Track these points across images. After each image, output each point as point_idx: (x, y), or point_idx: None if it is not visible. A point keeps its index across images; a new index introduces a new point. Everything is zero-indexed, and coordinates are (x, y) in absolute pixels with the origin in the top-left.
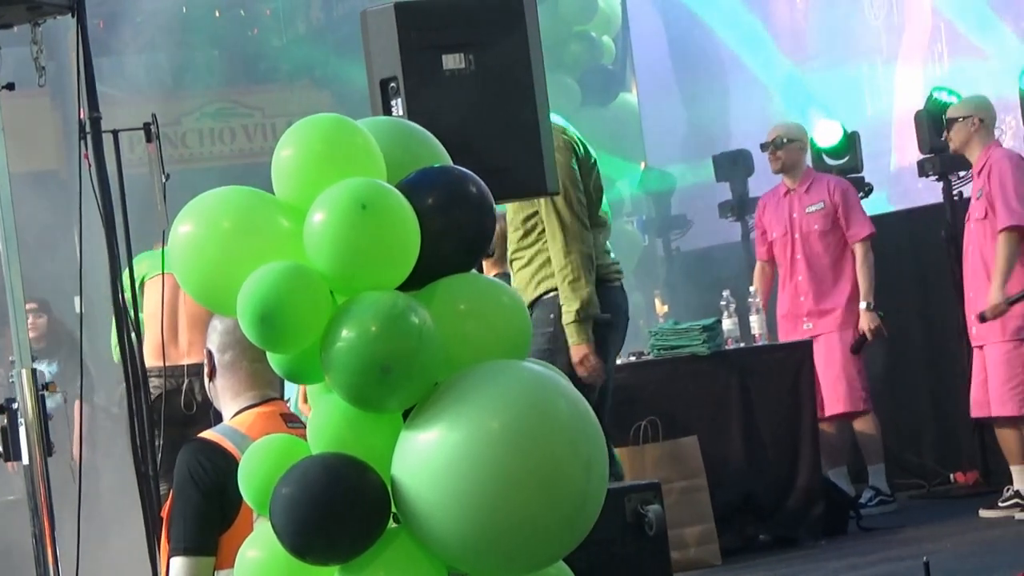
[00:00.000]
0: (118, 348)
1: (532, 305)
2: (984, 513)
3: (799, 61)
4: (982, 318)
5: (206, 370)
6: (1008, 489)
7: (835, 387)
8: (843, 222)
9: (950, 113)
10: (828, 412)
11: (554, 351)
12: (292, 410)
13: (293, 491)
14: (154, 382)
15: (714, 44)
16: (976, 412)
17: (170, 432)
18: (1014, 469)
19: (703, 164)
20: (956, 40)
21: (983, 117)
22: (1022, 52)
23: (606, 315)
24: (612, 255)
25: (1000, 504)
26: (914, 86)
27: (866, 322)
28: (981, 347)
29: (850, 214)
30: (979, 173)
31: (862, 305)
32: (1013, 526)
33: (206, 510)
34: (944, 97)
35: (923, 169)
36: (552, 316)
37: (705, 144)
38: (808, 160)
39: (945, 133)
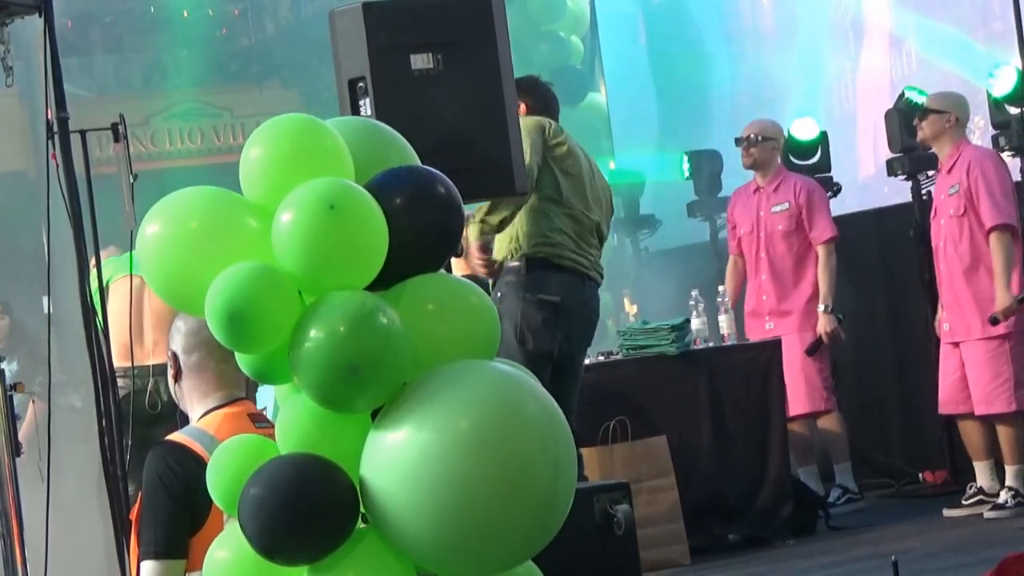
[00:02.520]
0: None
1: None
2: (948, 512)
3: (769, 59)
4: (993, 320)
5: (171, 372)
6: (971, 487)
7: (796, 387)
8: (807, 224)
9: (928, 103)
10: (792, 412)
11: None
12: (270, 417)
13: (261, 491)
14: (120, 383)
15: (686, 43)
16: (945, 409)
17: (135, 432)
18: (977, 465)
19: (672, 164)
20: (922, 42)
21: (959, 116)
22: (989, 54)
23: (554, 297)
24: (573, 243)
25: (964, 502)
26: (881, 86)
27: (823, 324)
28: (956, 344)
29: (814, 216)
30: (950, 170)
31: (820, 307)
32: (981, 524)
33: (176, 513)
34: (915, 97)
35: (892, 168)
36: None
37: (674, 144)
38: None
39: (917, 120)
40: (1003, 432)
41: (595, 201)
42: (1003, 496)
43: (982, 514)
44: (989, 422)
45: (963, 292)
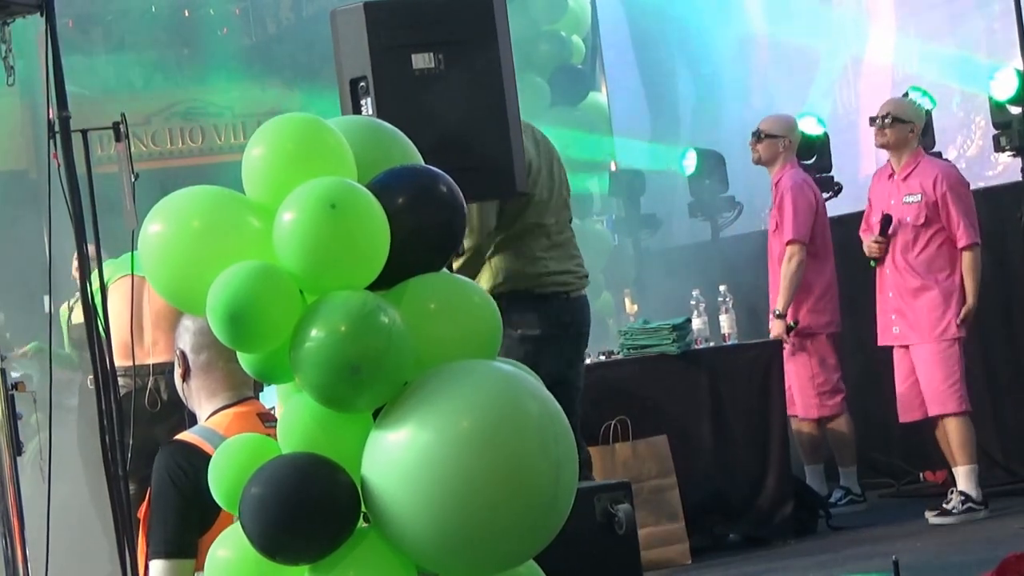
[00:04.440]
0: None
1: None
2: (931, 516)
3: (770, 60)
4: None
5: (179, 371)
6: (952, 491)
7: (797, 393)
8: (780, 223)
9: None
10: (803, 415)
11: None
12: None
13: (263, 491)
14: (121, 381)
15: (685, 43)
16: (905, 416)
17: (136, 431)
18: (957, 471)
19: (674, 164)
20: (924, 40)
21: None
22: (991, 51)
23: (534, 331)
24: (555, 263)
25: (944, 506)
26: (882, 86)
27: (772, 330)
28: (907, 347)
29: (783, 217)
30: (906, 177)
31: (772, 312)
32: (976, 523)
33: (186, 512)
34: (918, 98)
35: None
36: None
37: (676, 143)
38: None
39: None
40: (954, 433)
41: (561, 200)
42: (953, 501)
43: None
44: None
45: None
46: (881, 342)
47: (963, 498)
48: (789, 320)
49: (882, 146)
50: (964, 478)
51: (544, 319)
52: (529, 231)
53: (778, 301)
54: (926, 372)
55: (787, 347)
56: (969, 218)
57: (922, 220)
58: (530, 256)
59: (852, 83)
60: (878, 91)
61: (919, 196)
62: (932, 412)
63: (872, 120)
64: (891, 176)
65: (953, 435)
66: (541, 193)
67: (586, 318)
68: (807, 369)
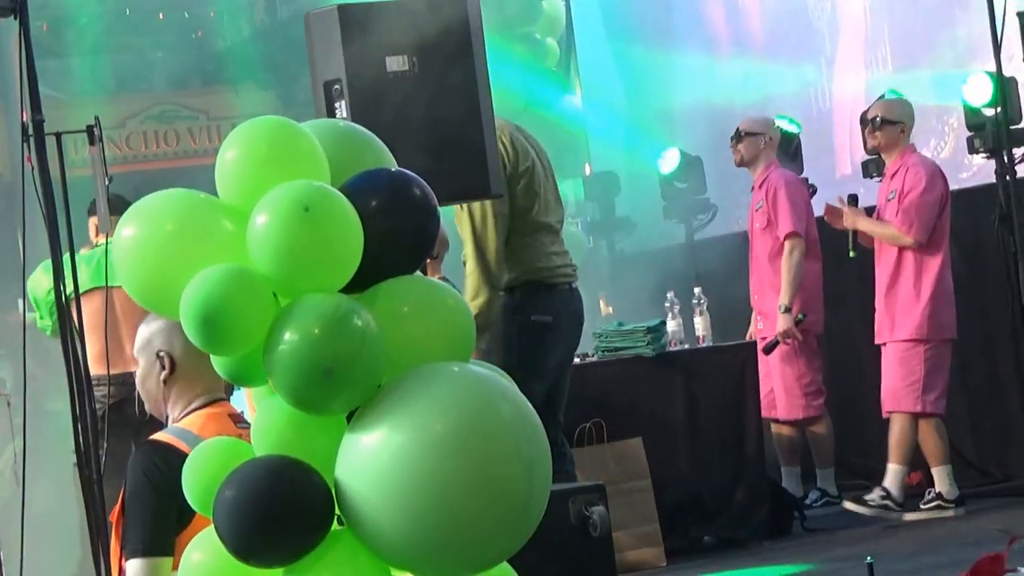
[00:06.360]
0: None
1: None
2: (907, 516)
3: (746, 60)
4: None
5: (158, 372)
6: (929, 492)
7: (781, 394)
8: (773, 219)
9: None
10: (782, 416)
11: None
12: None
13: (236, 494)
14: (101, 390)
15: (660, 44)
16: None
17: (125, 438)
18: (934, 471)
19: (649, 166)
20: (899, 43)
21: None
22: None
23: (546, 317)
24: (559, 257)
25: (922, 507)
26: (857, 88)
27: (779, 325)
28: (884, 345)
29: (777, 211)
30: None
31: (779, 307)
32: (955, 525)
33: (163, 511)
34: (896, 100)
35: (867, 170)
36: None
37: (650, 145)
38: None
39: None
40: (895, 430)
41: (555, 197)
42: (875, 494)
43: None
44: (944, 428)
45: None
46: (877, 340)
47: (883, 493)
48: (796, 314)
49: (874, 148)
50: (893, 478)
51: (554, 307)
52: (540, 228)
53: (783, 295)
54: (885, 370)
55: (789, 342)
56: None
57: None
58: (542, 251)
59: (826, 85)
60: (852, 93)
61: (895, 192)
62: (886, 409)
63: (863, 122)
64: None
65: (893, 432)
66: (545, 192)
67: (582, 308)
68: (795, 369)
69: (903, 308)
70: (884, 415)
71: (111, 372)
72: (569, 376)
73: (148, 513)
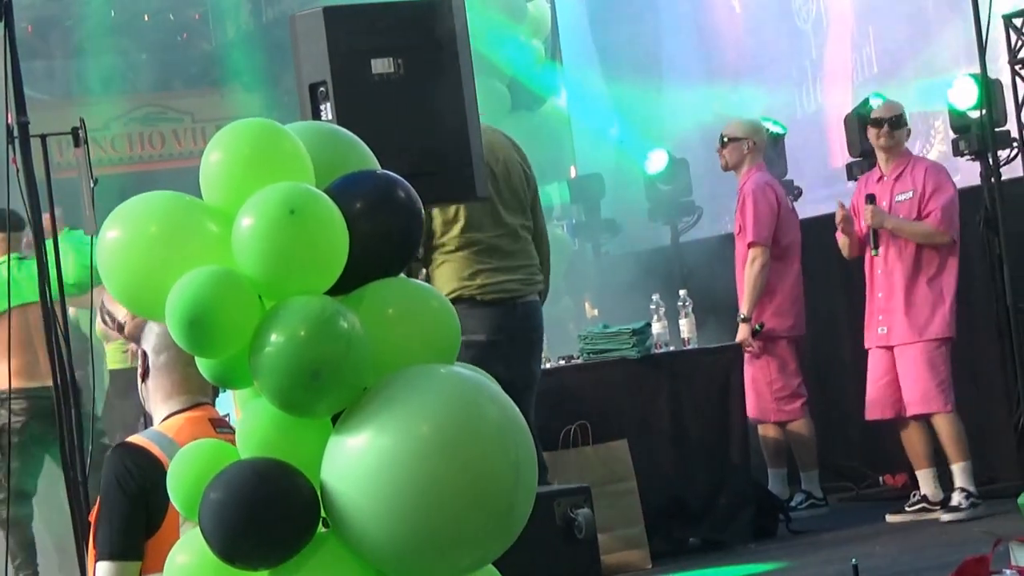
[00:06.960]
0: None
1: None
2: (891, 518)
3: (731, 65)
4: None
5: (139, 371)
6: (915, 494)
7: (752, 396)
8: (743, 227)
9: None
10: (755, 418)
11: None
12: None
13: (222, 496)
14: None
15: (645, 46)
16: (872, 414)
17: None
18: (920, 473)
19: (635, 168)
20: (884, 47)
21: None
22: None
23: (478, 336)
24: (498, 273)
25: (907, 508)
26: (843, 92)
27: (738, 334)
28: (890, 349)
29: (744, 219)
30: (899, 178)
31: (738, 316)
32: (941, 528)
33: (132, 514)
34: (878, 104)
35: (852, 172)
36: None
37: (636, 148)
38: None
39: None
40: (944, 431)
41: (511, 205)
42: (956, 498)
43: (938, 518)
44: (930, 430)
45: (902, 297)
46: (867, 344)
47: (965, 493)
48: (755, 323)
49: (888, 148)
50: (961, 474)
51: (488, 325)
52: (470, 244)
53: (743, 304)
54: (911, 372)
55: (751, 350)
56: (955, 214)
57: (914, 216)
58: (468, 268)
59: (812, 87)
60: (838, 97)
61: (910, 192)
62: (915, 411)
63: (879, 123)
64: (880, 179)
65: (944, 433)
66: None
67: (539, 324)
68: (765, 374)
69: (929, 308)
70: (908, 415)
71: (30, 386)
72: (533, 393)
73: (116, 516)
